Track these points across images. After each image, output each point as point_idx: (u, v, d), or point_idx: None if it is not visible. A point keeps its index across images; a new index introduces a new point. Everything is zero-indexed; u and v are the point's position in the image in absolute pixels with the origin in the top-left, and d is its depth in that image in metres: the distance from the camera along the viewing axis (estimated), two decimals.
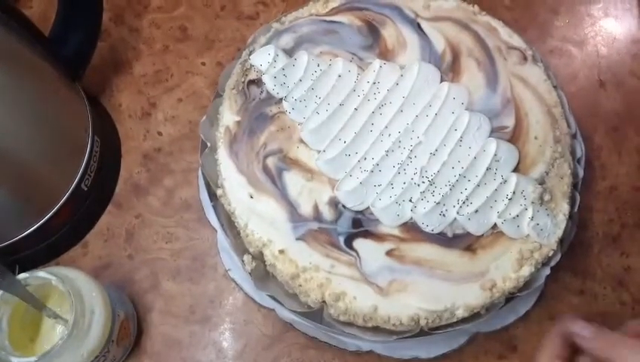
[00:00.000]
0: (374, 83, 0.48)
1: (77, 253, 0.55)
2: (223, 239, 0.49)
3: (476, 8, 0.54)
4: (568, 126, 0.50)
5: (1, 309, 0.42)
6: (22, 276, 0.42)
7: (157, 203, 0.58)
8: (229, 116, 0.49)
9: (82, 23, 0.54)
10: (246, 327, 0.53)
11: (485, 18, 0.53)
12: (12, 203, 0.49)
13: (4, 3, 0.45)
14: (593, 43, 0.66)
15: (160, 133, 0.61)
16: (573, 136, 0.50)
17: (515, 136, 0.47)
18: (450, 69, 0.50)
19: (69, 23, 0.53)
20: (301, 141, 0.48)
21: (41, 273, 0.42)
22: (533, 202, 0.45)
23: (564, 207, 0.46)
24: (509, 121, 0.48)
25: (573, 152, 0.49)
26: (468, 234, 0.45)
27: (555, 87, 0.51)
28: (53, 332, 0.46)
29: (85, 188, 0.54)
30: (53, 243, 0.54)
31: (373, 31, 0.52)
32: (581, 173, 0.49)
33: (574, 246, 0.56)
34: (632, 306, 0.54)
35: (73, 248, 0.56)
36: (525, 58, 0.51)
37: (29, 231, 0.51)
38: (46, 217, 0.51)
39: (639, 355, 0.36)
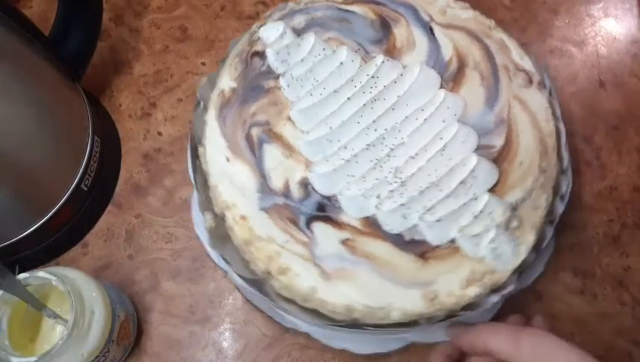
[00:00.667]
0: (373, 77, 0.48)
1: (77, 253, 0.55)
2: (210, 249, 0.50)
3: (492, 23, 0.53)
4: (559, 160, 0.48)
5: (1, 309, 0.42)
6: (22, 276, 0.42)
7: (157, 203, 0.58)
8: (226, 81, 0.50)
9: (82, 23, 0.54)
10: (246, 327, 0.53)
11: (500, 35, 0.52)
12: (12, 203, 0.49)
13: (4, 3, 0.45)
14: (593, 43, 0.66)
15: (160, 133, 0.61)
16: (563, 172, 0.49)
17: (500, 157, 0.46)
18: (452, 78, 0.50)
19: (69, 23, 0.53)
20: (289, 119, 0.48)
21: (41, 273, 0.42)
22: (498, 226, 0.43)
23: (530, 239, 0.44)
24: (498, 141, 0.47)
25: (556, 187, 0.47)
26: (425, 241, 0.44)
27: (557, 118, 0.50)
28: (53, 333, 0.46)
29: (85, 188, 0.54)
30: (53, 243, 0.54)
31: (385, 27, 0.52)
32: (561, 209, 0.47)
33: (574, 246, 0.56)
34: (632, 306, 0.54)
35: (73, 248, 0.56)
36: (531, 82, 0.50)
37: (29, 231, 0.51)
38: (46, 217, 0.51)
39: (498, 335, 0.40)
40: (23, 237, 0.51)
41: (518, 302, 0.53)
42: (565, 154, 0.49)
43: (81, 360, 0.42)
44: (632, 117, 0.62)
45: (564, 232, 0.56)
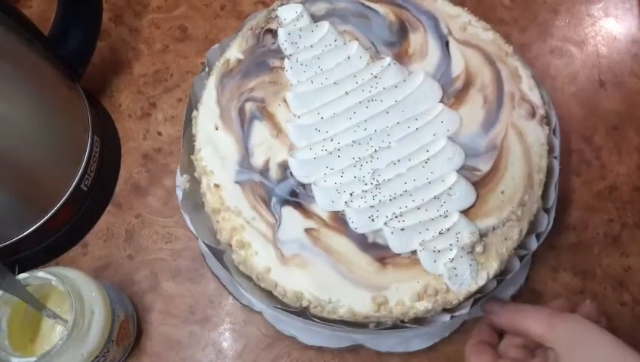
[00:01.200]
0: (376, 77, 0.49)
1: (77, 253, 0.55)
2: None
3: (510, 49, 0.51)
4: (543, 198, 0.47)
5: (1, 309, 0.42)
6: (22, 276, 0.42)
7: (157, 203, 0.58)
8: (234, 51, 0.52)
9: (82, 22, 0.54)
10: (246, 327, 0.53)
11: (516, 63, 0.51)
12: (12, 203, 0.49)
13: (4, 3, 0.45)
14: (593, 43, 0.66)
15: (160, 133, 0.61)
16: (546, 211, 0.48)
17: (482, 182, 0.46)
18: (455, 94, 0.49)
19: (69, 23, 0.53)
20: (285, 100, 0.49)
21: (41, 273, 0.42)
22: (462, 247, 0.43)
23: (493, 267, 0.44)
24: (485, 166, 0.46)
25: (534, 223, 0.47)
26: (387, 247, 0.44)
27: (554, 157, 0.49)
28: (53, 333, 0.46)
29: (85, 188, 0.54)
30: (53, 243, 0.54)
31: (402, 31, 0.52)
32: (534, 246, 0.47)
33: (574, 246, 0.56)
34: (632, 306, 0.54)
35: (73, 248, 0.56)
36: (533, 115, 0.49)
37: (29, 231, 0.51)
38: (46, 217, 0.51)
39: (532, 319, 0.40)
40: (23, 237, 0.51)
41: (516, 301, 0.53)
42: (553, 194, 0.48)
43: (81, 360, 0.42)
44: (632, 117, 0.62)
45: (564, 232, 0.56)
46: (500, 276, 0.45)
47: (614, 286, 0.55)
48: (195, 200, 0.48)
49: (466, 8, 0.54)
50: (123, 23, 0.66)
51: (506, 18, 0.67)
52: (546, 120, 0.49)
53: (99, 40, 0.56)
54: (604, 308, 0.54)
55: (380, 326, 0.44)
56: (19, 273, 0.42)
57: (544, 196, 0.48)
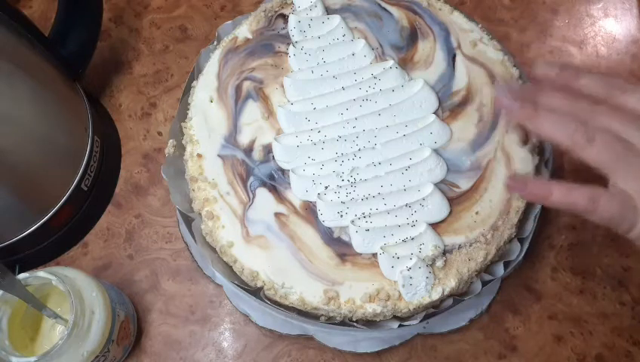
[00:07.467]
0: (375, 77, 0.49)
1: (77, 253, 0.55)
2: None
3: (517, 73, 0.51)
4: (517, 228, 0.46)
5: (1, 309, 0.42)
6: (22, 276, 0.42)
7: (157, 203, 0.58)
8: (244, 30, 0.53)
9: (82, 23, 0.54)
10: (246, 327, 0.53)
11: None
12: (12, 203, 0.49)
13: (4, 3, 0.45)
14: (593, 43, 0.66)
15: (160, 133, 0.61)
16: (520, 241, 0.47)
17: (459, 199, 0.46)
18: (451, 108, 0.49)
19: (69, 23, 0.53)
20: (282, 85, 0.50)
21: (41, 273, 0.42)
22: (423, 259, 0.43)
23: (450, 284, 0.43)
24: (465, 185, 0.46)
25: (502, 250, 0.46)
26: (350, 245, 0.44)
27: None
28: (53, 332, 0.46)
29: (85, 188, 0.54)
30: (54, 243, 0.54)
31: (412, 38, 0.52)
32: (500, 273, 0.46)
33: (574, 246, 0.56)
34: (632, 306, 0.54)
35: (73, 248, 0.56)
36: (526, 142, 0.48)
37: (29, 231, 0.51)
38: (46, 217, 0.51)
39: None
40: (23, 237, 0.51)
41: (516, 302, 0.53)
42: (531, 225, 0.48)
43: (81, 360, 0.42)
44: None
45: (564, 232, 0.56)
46: (459, 296, 0.45)
47: (614, 286, 0.55)
48: (177, 166, 0.49)
49: (480, 25, 0.53)
50: (123, 23, 0.66)
51: (505, 18, 0.67)
52: (538, 149, 0.49)
53: (99, 40, 0.56)
54: (604, 308, 0.54)
55: (331, 320, 0.44)
56: (19, 273, 0.42)
57: (521, 225, 0.47)
